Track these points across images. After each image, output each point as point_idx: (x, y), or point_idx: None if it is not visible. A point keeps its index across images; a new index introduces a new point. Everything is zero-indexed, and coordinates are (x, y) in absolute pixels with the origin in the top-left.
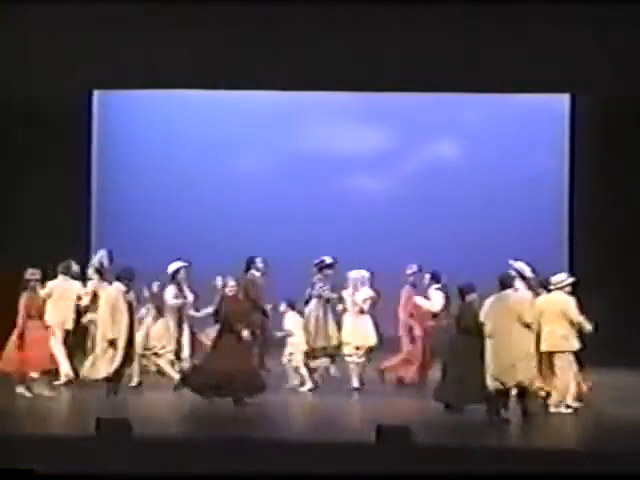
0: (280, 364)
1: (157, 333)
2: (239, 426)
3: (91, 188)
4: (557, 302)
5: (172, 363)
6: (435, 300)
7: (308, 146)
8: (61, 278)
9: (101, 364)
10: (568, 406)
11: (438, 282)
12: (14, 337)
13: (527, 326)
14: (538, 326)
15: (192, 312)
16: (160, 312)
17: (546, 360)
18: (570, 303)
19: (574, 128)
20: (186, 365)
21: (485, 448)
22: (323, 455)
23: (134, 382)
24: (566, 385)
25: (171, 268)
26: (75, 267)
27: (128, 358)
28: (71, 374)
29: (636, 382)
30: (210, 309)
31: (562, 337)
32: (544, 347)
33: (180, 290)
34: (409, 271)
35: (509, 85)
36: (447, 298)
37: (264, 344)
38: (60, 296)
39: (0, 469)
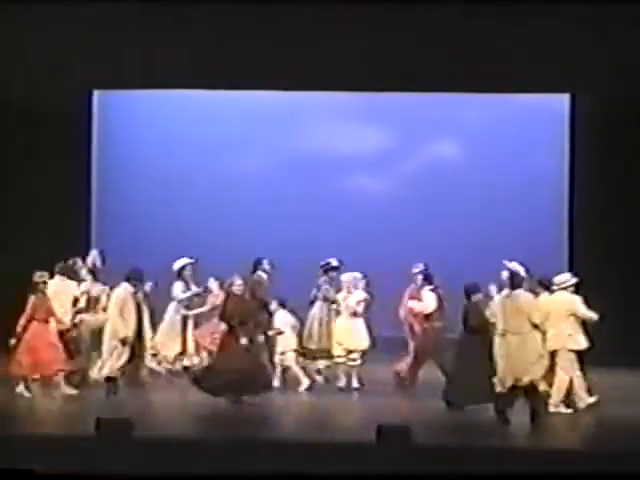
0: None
1: (162, 339)
2: (239, 426)
3: (91, 188)
4: (563, 302)
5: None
6: (428, 301)
7: (308, 146)
8: (58, 278)
9: (106, 364)
10: (568, 406)
11: (431, 283)
12: (24, 341)
13: (536, 326)
14: (544, 326)
15: (183, 311)
16: (152, 315)
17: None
18: (577, 302)
19: (574, 128)
20: (189, 362)
21: (485, 448)
22: (323, 455)
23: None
24: (566, 385)
25: (177, 265)
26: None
27: (133, 359)
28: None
29: (636, 382)
30: (204, 308)
31: (569, 336)
32: (551, 345)
33: (187, 287)
34: (415, 270)
35: (509, 85)
36: (440, 299)
37: (272, 344)
38: (56, 296)
39: (0, 469)
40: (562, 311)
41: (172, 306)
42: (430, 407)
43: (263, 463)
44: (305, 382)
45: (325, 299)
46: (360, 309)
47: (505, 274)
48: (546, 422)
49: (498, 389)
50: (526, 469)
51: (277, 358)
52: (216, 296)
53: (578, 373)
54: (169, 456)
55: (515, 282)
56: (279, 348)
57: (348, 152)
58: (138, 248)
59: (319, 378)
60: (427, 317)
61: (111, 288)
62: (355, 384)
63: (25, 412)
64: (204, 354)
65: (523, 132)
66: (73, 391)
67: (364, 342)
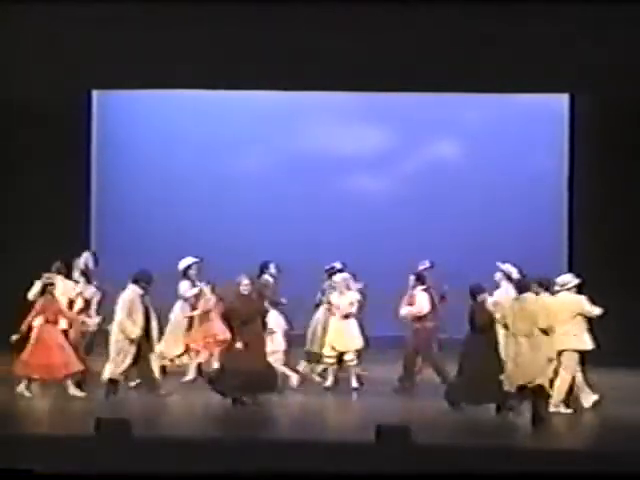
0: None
1: (166, 337)
2: (238, 426)
3: (90, 188)
4: (568, 303)
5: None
6: (422, 303)
7: (308, 146)
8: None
9: (111, 365)
10: (568, 406)
11: (423, 283)
12: (33, 343)
13: (543, 330)
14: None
15: (184, 312)
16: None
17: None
18: (582, 301)
19: (573, 128)
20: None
21: (485, 448)
22: (323, 455)
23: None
24: (567, 385)
25: (182, 264)
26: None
27: (138, 361)
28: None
29: (636, 382)
30: (196, 312)
31: (575, 337)
32: (557, 346)
33: (193, 286)
34: (421, 267)
35: (509, 85)
36: (433, 299)
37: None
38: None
39: (0, 469)
40: (567, 312)
41: (178, 305)
42: (430, 407)
43: (263, 463)
44: (294, 381)
45: (329, 303)
46: (353, 310)
47: (498, 275)
48: (547, 423)
49: (506, 388)
50: (526, 469)
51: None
52: (208, 300)
53: (579, 373)
54: (168, 456)
55: (523, 285)
56: (268, 348)
57: (348, 152)
58: (138, 248)
59: (319, 380)
60: (419, 317)
61: (99, 289)
62: (354, 384)
63: (25, 412)
64: (193, 356)
65: (523, 132)
66: (80, 393)
67: (358, 342)
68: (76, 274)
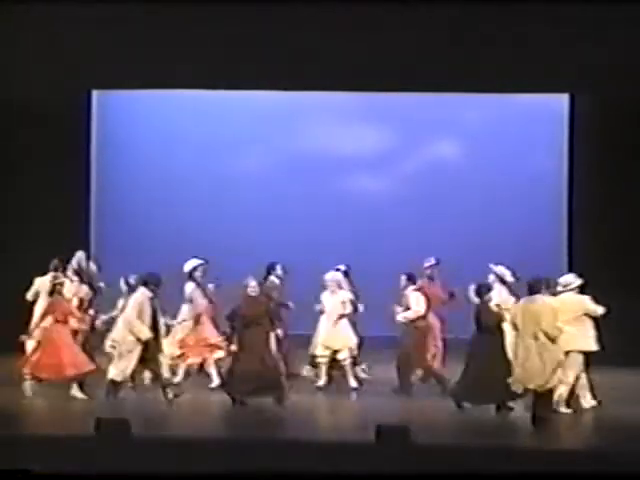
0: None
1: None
2: (238, 426)
3: (90, 188)
4: (571, 303)
5: None
6: (418, 304)
7: (308, 146)
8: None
9: (117, 366)
10: (568, 406)
11: (414, 283)
12: (43, 343)
13: (546, 333)
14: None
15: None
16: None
17: None
18: (586, 301)
19: (573, 128)
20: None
21: (484, 448)
22: (322, 455)
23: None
24: (569, 385)
25: (188, 266)
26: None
27: (144, 363)
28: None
29: (636, 382)
30: (188, 317)
31: (580, 337)
32: (563, 347)
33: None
34: (427, 264)
35: (509, 85)
36: (428, 299)
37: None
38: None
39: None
40: (570, 312)
41: (185, 307)
42: (429, 407)
43: (262, 463)
44: None
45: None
46: (344, 309)
47: (491, 277)
48: (547, 423)
49: (514, 389)
50: (526, 469)
51: None
52: (199, 304)
53: (583, 374)
54: (168, 456)
55: (534, 287)
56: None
57: (348, 152)
58: (138, 248)
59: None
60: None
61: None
62: (353, 384)
63: (25, 412)
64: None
65: (522, 132)
66: (81, 395)
67: (351, 339)
68: (69, 273)
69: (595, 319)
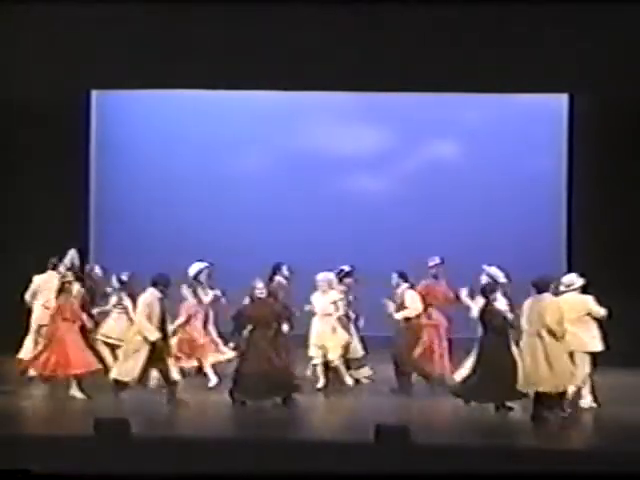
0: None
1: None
2: (237, 426)
3: (90, 188)
4: (575, 303)
5: None
6: (415, 303)
7: (308, 146)
8: (49, 273)
9: (124, 367)
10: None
11: (406, 281)
12: (50, 341)
13: (555, 333)
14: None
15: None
16: (134, 301)
17: None
18: (590, 302)
19: (572, 128)
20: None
21: (484, 448)
22: (321, 455)
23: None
24: (578, 386)
25: (193, 270)
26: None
27: (151, 362)
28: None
29: (636, 382)
30: (180, 319)
31: (587, 337)
32: (568, 347)
33: (203, 291)
34: (431, 263)
35: (509, 85)
36: (423, 297)
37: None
38: (42, 289)
39: None
40: (574, 312)
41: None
42: (429, 407)
43: (262, 463)
44: None
45: (349, 303)
46: (334, 310)
47: (484, 279)
48: (547, 422)
49: (523, 391)
50: (526, 469)
51: None
52: (190, 306)
53: (587, 377)
54: (168, 456)
55: (541, 286)
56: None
57: (348, 152)
58: (138, 248)
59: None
60: (407, 319)
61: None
62: (349, 381)
63: (24, 412)
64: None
65: (522, 132)
66: (81, 395)
67: (341, 340)
68: (61, 269)
69: (598, 319)
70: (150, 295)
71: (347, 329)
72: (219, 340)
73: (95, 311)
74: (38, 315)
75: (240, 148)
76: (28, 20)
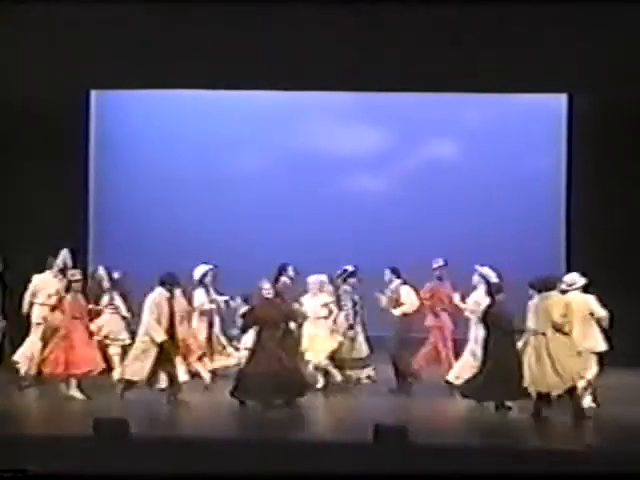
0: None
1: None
2: (236, 426)
3: (89, 188)
4: (578, 303)
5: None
6: (410, 299)
7: (308, 146)
8: (47, 273)
9: (132, 366)
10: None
11: (399, 277)
12: (59, 339)
13: (560, 328)
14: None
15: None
16: (126, 300)
17: None
18: (591, 301)
19: (571, 128)
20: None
21: (483, 448)
22: (320, 455)
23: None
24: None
25: (198, 272)
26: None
27: (159, 362)
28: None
29: (636, 382)
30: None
31: (591, 337)
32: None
33: (208, 294)
34: (435, 265)
35: (508, 85)
36: (417, 292)
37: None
38: (39, 290)
39: None
40: (578, 312)
41: (196, 314)
42: (428, 407)
43: (261, 462)
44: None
45: (354, 304)
46: (325, 313)
47: (476, 278)
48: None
49: (530, 390)
50: (526, 469)
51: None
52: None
53: (590, 377)
54: (167, 456)
55: (548, 285)
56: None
57: (348, 152)
58: (137, 248)
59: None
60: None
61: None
62: (338, 378)
63: (23, 412)
64: None
65: (521, 132)
66: (80, 395)
67: (331, 343)
68: (54, 271)
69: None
70: (158, 295)
71: (340, 332)
72: (226, 343)
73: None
74: (38, 315)
75: (240, 148)
76: (28, 20)
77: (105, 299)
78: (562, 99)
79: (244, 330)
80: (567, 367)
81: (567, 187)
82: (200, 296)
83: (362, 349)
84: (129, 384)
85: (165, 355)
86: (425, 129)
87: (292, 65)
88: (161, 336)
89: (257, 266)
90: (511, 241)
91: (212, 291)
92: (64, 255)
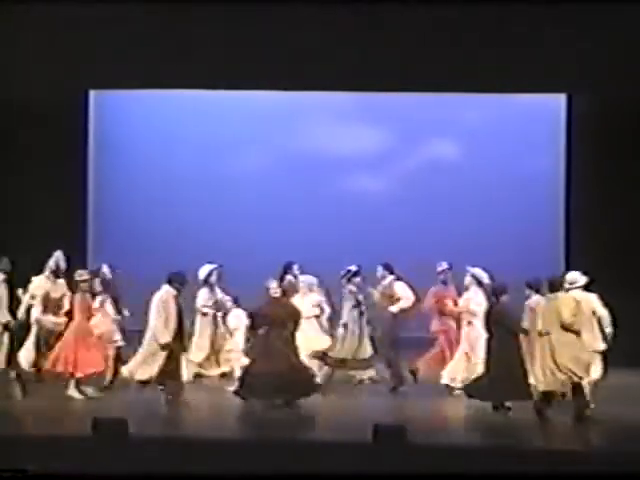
0: None
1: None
2: (236, 426)
3: (88, 188)
4: (582, 301)
5: None
6: (406, 294)
7: (308, 146)
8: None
9: (150, 366)
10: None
11: (392, 273)
12: (67, 339)
13: (568, 327)
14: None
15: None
16: (117, 303)
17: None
18: (594, 300)
19: (571, 128)
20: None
21: (482, 448)
22: (320, 455)
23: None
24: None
25: (203, 272)
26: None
27: (170, 362)
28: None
29: (636, 382)
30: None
31: (594, 337)
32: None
33: (213, 293)
34: (439, 269)
35: (508, 85)
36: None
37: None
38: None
39: None
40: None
41: (198, 315)
42: (426, 407)
43: (260, 462)
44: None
45: (358, 303)
46: (316, 312)
47: (468, 279)
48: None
49: (539, 388)
50: (526, 469)
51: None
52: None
53: (596, 376)
54: (167, 456)
55: (555, 285)
56: (227, 346)
57: (348, 152)
58: (137, 248)
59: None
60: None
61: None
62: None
63: (22, 412)
64: None
65: (521, 132)
66: (79, 395)
67: (321, 343)
68: (46, 273)
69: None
70: (165, 293)
71: (329, 333)
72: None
73: None
74: (34, 316)
75: (240, 148)
76: (28, 20)
77: (97, 301)
78: (561, 99)
79: (254, 330)
80: (572, 366)
81: (566, 187)
82: (202, 295)
83: (367, 350)
84: (141, 383)
85: (173, 354)
86: (425, 129)
87: (292, 65)
88: (166, 339)
89: (257, 266)
90: (511, 241)
91: (218, 290)
92: (57, 257)
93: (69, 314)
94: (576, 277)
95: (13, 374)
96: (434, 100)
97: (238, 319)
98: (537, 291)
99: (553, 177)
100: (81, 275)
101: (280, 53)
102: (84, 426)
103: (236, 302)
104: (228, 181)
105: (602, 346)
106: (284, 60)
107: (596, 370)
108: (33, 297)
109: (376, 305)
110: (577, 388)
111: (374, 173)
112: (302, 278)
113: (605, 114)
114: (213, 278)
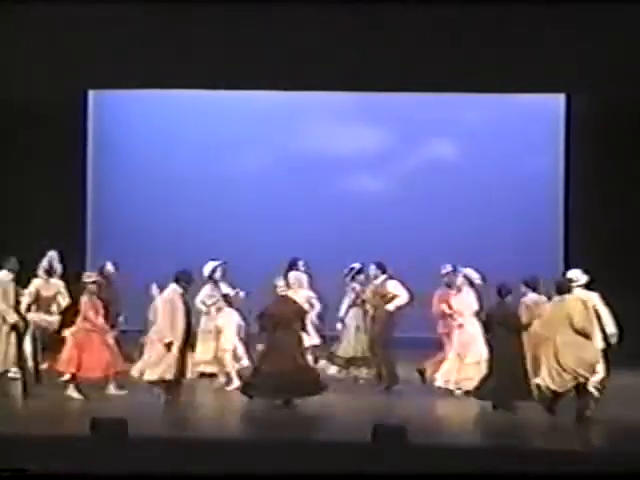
0: None
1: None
2: (235, 426)
3: (87, 188)
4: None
5: None
6: (400, 292)
7: (308, 146)
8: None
9: (158, 367)
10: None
11: (384, 272)
12: (75, 340)
13: (579, 330)
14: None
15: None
16: (116, 303)
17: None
18: (595, 299)
19: (570, 128)
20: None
21: (482, 448)
22: (319, 455)
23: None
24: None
25: (207, 268)
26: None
27: (178, 362)
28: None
29: (636, 382)
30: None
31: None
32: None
33: (217, 289)
34: (443, 271)
35: (508, 85)
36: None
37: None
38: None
39: None
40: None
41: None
42: (426, 407)
43: (260, 462)
44: (235, 383)
45: (362, 302)
46: (309, 308)
47: (460, 280)
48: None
49: (547, 386)
50: (525, 469)
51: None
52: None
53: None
54: (166, 456)
55: (562, 287)
56: (220, 344)
57: (348, 152)
58: (137, 248)
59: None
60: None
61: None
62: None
63: (21, 412)
64: None
65: (520, 132)
66: (78, 395)
67: (312, 339)
68: (40, 272)
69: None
70: (172, 291)
71: (319, 329)
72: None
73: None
74: (32, 316)
75: (240, 148)
76: (28, 20)
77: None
78: (561, 99)
79: (262, 329)
80: (576, 366)
81: (566, 187)
82: (204, 292)
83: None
84: (150, 383)
85: (180, 354)
86: (425, 129)
87: (292, 65)
88: (169, 336)
89: (257, 266)
90: (510, 241)
91: (223, 286)
92: (50, 256)
93: (63, 313)
94: (577, 275)
95: (17, 374)
96: (434, 100)
97: (228, 317)
98: (534, 289)
99: (552, 177)
100: (89, 277)
101: (280, 53)
102: (83, 426)
103: (227, 300)
104: (228, 181)
105: (601, 344)
106: (284, 60)
107: (600, 369)
108: (31, 297)
109: (367, 304)
110: (581, 388)
111: (374, 173)
112: (292, 275)
113: (605, 114)
114: (217, 274)
